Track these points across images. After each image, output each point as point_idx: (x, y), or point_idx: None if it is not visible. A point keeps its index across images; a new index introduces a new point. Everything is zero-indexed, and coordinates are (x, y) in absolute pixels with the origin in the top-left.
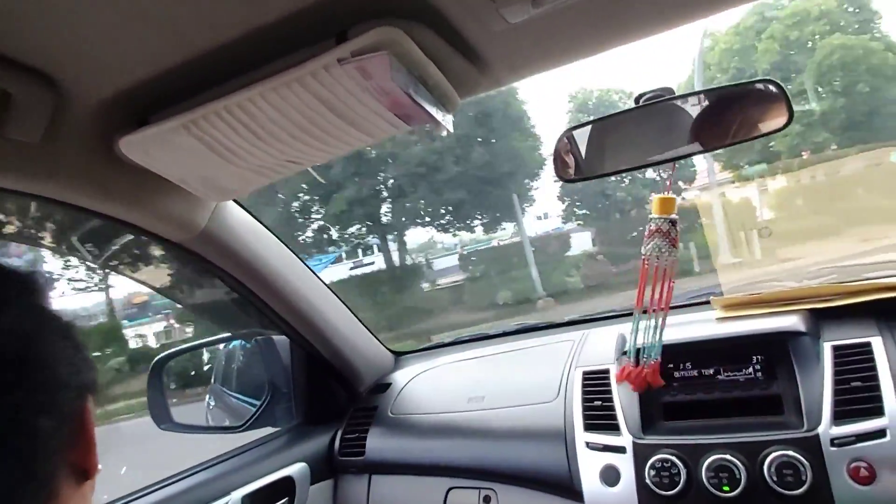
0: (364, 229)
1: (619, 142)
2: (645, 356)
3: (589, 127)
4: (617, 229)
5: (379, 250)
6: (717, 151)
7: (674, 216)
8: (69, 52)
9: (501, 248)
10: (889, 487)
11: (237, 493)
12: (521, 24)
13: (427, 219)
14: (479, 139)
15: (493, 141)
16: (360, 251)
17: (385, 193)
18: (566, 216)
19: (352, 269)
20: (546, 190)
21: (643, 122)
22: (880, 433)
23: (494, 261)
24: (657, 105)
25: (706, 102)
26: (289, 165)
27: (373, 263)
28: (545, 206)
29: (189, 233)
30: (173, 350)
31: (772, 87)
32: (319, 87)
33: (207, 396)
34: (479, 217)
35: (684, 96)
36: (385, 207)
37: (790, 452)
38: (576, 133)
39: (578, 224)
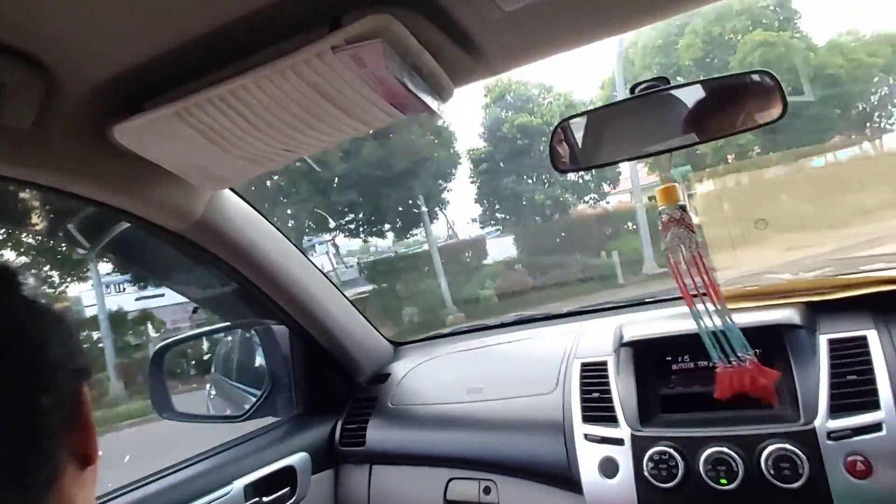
0: None
1: (615, 132)
2: (732, 353)
3: (585, 117)
4: (538, 235)
5: None
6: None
7: (682, 202)
8: (60, 37)
9: (409, 256)
10: (885, 481)
11: (239, 483)
12: (515, 13)
13: (319, 224)
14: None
15: (390, 135)
16: None
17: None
18: (484, 221)
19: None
20: (466, 192)
21: (639, 112)
22: (876, 427)
23: (400, 271)
24: (652, 95)
25: (701, 93)
26: (284, 154)
27: None
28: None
29: (186, 221)
30: (173, 339)
31: (766, 79)
32: (313, 74)
33: (208, 386)
34: (392, 222)
35: (679, 86)
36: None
37: (787, 446)
38: (571, 123)
39: (497, 230)
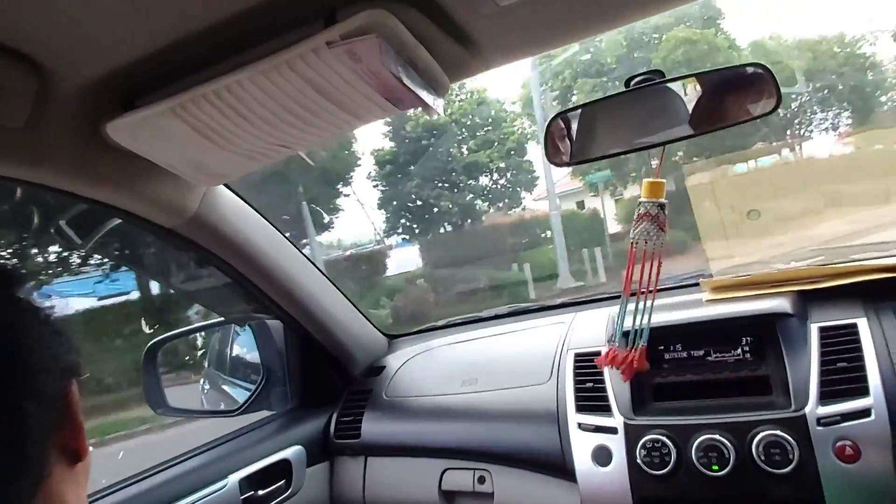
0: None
1: (610, 125)
2: (633, 340)
3: (579, 111)
4: (446, 245)
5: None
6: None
7: (663, 200)
8: (53, 35)
9: None
10: (873, 465)
11: (234, 477)
12: (510, 7)
13: None
14: None
15: None
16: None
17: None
18: (389, 229)
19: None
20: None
21: (634, 105)
22: (865, 412)
23: None
24: (647, 88)
25: (696, 86)
26: (279, 150)
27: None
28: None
29: (180, 218)
30: (167, 335)
31: (760, 71)
32: (309, 70)
33: (202, 381)
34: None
35: (674, 79)
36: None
37: (778, 432)
38: (566, 117)
39: (405, 239)
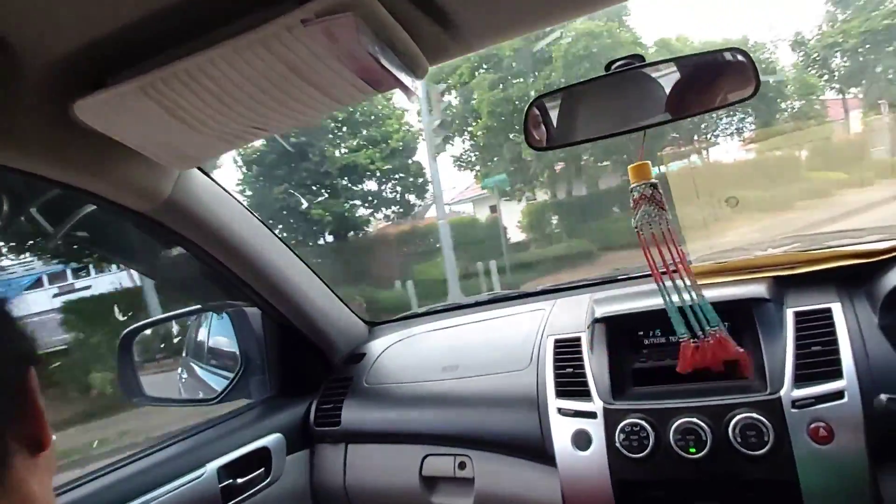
0: None
1: (590, 110)
2: (700, 327)
3: (560, 94)
4: (321, 259)
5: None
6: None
7: (653, 180)
8: (16, 10)
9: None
10: (846, 446)
11: (212, 465)
12: None
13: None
14: None
15: None
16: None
17: None
18: None
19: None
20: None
21: (614, 90)
22: (839, 395)
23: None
24: (627, 73)
25: (675, 71)
26: (254, 132)
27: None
28: None
29: (153, 202)
30: (142, 323)
31: (739, 56)
32: (283, 49)
33: (180, 369)
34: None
35: (654, 64)
36: None
37: (753, 415)
38: (546, 101)
39: None
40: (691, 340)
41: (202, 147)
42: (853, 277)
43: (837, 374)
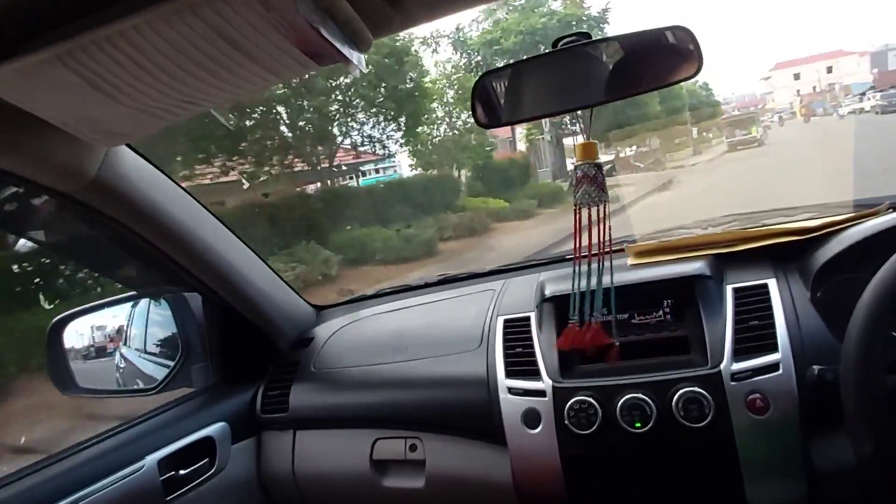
0: None
1: (538, 87)
2: (589, 312)
3: (507, 71)
4: None
5: None
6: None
7: (598, 160)
8: None
9: None
10: (781, 415)
11: (152, 458)
12: None
13: None
14: None
15: None
16: None
17: None
18: None
19: None
20: None
21: (561, 67)
22: (774, 367)
23: None
24: (573, 50)
25: (619, 49)
26: (186, 106)
27: None
28: None
29: (78, 182)
30: (72, 311)
31: (682, 35)
32: (215, 17)
33: (116, 358)
34: None
35: (599, 41)
36: None
37: (695, 388)
38: (494, 77)
39: None
40: (575, 323)
41: (129, 122)
42: (788, 254)
43: (773, 348)
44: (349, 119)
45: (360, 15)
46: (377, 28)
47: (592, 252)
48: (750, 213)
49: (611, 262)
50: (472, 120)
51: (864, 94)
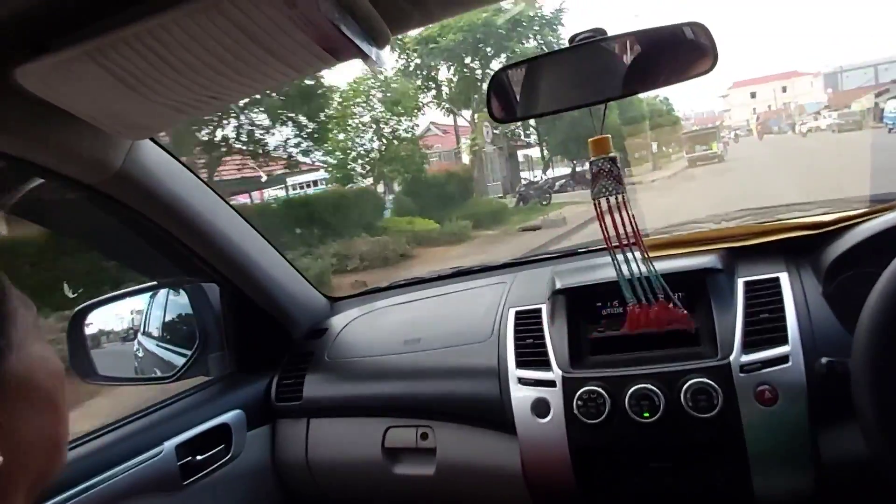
0: None
1: (553, 82)
2: (645, 295)
3: (523, 66)
4: None
5: None
6: None
7: (612, 154)
8: None
9: None
10: (789, 407)
11: (170, 443)
12: None
13: None
14: None
15: None
16: None
17: None
18: None
19: None
20: None
21: (576, 63)
22: (783, 359)
23: None
24: (590, 46)
25: (636, 45)
26: (209, 101)
27: None
28: None
29: (102, 174)
30: (94, 300)
31: (698, 31)
32: (239, 14)
33: (135, 347)
34: None
35: (615, 37)
36: None
37: (704, 380)
38: (510, 72)
39: None
40: (637, 307)
41: (154, 116)
42: (800, 248)
43: (783, 340)
44: (240, 120)
45: (378, 11)
46: (396, 24)
47: (622, 240)
48: (764, 207)
49: (643, 250)
50: (401, 127)
51: (818, 112)
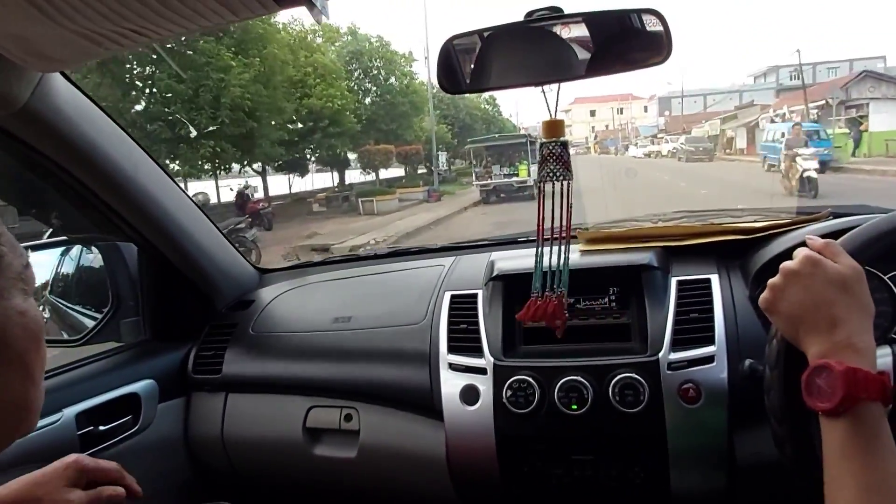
0: None
1: (506, 57)
2: (555, 286)
3: (474, 37)
4: None
5: None
6: None
7: (564, 138)
8: None
9: None
10: (710, 406)
11: (70, 410)
12: None
13: None
14: None
15: None
16: None
17: None
18: None
19: None
20: None
21: (530, 40)
22: (709, 359)
23: None
24: (543, 23)
25: (589, 27)
26: (131, 35)
27: None
28: None
29: (5, 108)
30: None
31: (653, 19)
32: None
33: (41, 307)
34: None
35: (568, 16)
36: None
37: (633, 375)
38: (460, 42)
39: None
40: (539, 299)
41: (66, 47)
42: (732, 252)
43: (710, 340)
44: None
45: None
46: None
47: (553, 233)
48: (700, 211)
49: (568, 244)
50: None
51: (655, 136)
